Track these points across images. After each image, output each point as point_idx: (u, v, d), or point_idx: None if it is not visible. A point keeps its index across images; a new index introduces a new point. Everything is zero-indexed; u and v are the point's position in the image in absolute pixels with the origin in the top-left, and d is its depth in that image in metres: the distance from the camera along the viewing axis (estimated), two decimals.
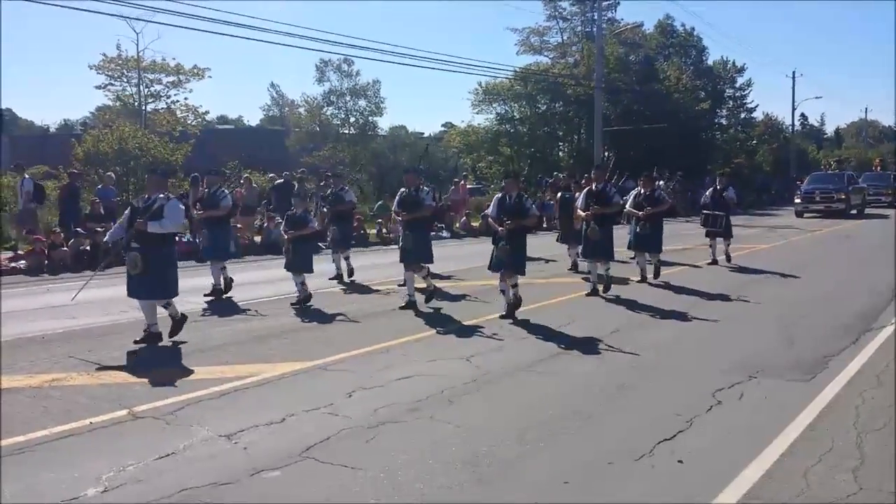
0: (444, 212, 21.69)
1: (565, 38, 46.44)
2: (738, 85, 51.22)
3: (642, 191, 13.38)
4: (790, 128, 60.09)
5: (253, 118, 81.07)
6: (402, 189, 11.16)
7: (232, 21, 22.32)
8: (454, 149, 45.72)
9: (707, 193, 16.61)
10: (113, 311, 10.41)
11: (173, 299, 8.76)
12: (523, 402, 6.37)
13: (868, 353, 7.98)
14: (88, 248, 16.26)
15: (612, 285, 12.08)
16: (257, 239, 19.37)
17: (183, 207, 8.90)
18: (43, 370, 7.48)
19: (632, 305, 10.89)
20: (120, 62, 36.40)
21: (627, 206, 13.48)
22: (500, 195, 10.47)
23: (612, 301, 11.26)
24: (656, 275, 13.32)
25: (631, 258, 13.80)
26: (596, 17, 38.97)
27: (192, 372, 7.42)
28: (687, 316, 10.09)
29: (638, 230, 13.13)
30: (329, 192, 14.65)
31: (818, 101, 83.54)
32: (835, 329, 9.23)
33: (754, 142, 53.36)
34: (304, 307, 10.91)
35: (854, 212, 32.34)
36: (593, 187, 11.93)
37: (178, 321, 8.84)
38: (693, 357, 7.93)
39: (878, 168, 45.90)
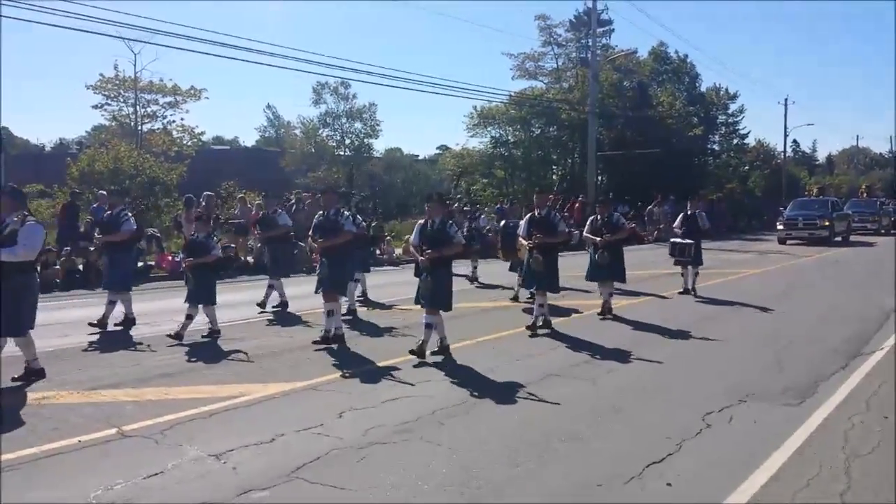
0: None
1: (560, 63, 46.77)
2: (730, 111, 51.76)
3: (599, 217, 12.41)
4: (782, 154, 60.54)
5: (249, 139, 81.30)
6: (320, 212, 10.02)
7: (229, 43, 22.45)
8: (449, 171, 45.88)
9: (679, 219, 15.59)
10: (107, 330, 10.38)
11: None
12: (513, 425, 6.38)
13: (857, 378, 8.01)
14: (81, 267, 16.25)
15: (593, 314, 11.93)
16: (251, 259, 19.36)
17: (42, 230, 7.68)
18: (32, 388, 7.46)
19: (619, 330, 10.89)
20: (117, 82, 36.49)
21: (584, 232, 12.84)
22: (421, 221, 9.30)
23: (597, 326, 11.21)
24: (603, 310, 11.98)
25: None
26: (590, 44, 39.27)
27: (182, 391, 7.41)
28: (676, 341, 10.11)
29: (596, 259, 12.10)
30: (262, 214, 13.36)
31: (810, 128, 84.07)
32: (824, 354, 9.26)
33: (746, 167, 53.73)
34: (215, 338, 9.98)
35: (838, 239, 31.47)
36: (536, 214, 10.73)
37: (36, 371, 7.77)
38: (683, 381, 7.94)
39: (864, 195, 45.42)
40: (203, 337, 9.96)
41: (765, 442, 5.88)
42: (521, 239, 10.99)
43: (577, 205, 30.22)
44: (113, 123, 38.41)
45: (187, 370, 8.34)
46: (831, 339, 10.19)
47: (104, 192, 21.90)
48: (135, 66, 36.20)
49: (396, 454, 5.60)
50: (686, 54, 50.05)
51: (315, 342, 9.55)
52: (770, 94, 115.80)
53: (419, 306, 9.01)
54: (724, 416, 6.59)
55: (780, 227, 31.59)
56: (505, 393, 7.39)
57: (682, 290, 14.92)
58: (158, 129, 38.02)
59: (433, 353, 8.86)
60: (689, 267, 14.92)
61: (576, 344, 9.87)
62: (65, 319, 10.64)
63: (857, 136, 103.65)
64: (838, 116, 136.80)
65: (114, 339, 9.91)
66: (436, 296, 8.82)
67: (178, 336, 9.71)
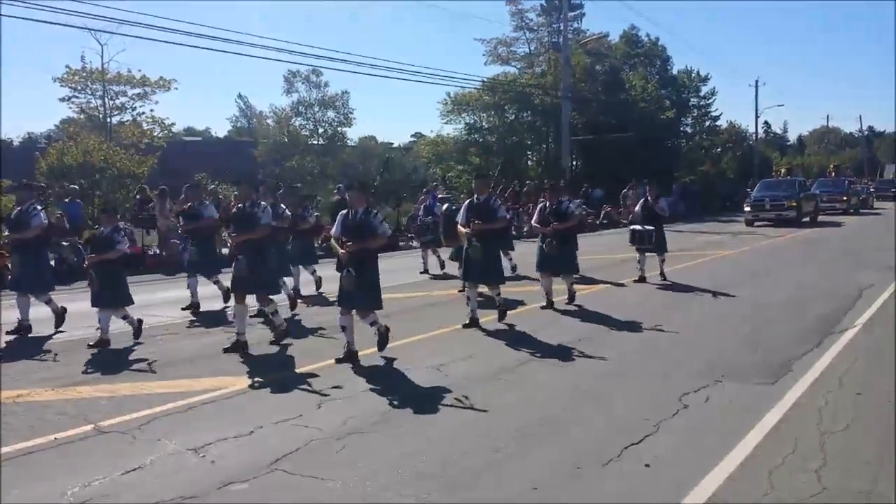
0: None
1: (532, 48, 46.75)
2: (702, 94, 51.91)
3: (548, 204, 11.63)
4: (754, 135, 61.04)
5: (220, 130, 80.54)
6: (238, 204, 9.29)
7: (198, 32, 22.16)
8: (424, 158, 45.79)
9: (638, 205, 14.86)
10: (79, 326, 10.25)
11: None
12: (491, 411, 6.38)
13: (831, 356, 8.10)
14: (52, 262, 16.03)
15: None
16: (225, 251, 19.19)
17: None
18: (6, 386, 7.35)
19: (599, 314, 10.91)
20: (84, 74, 35.93)
21: (532, 221, 12.14)
22: (344, 211, 8.51)
23: (577, 312, 11.17)
24: (571, 299, 11.65)
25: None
26: (562, 28, 39.28)
27: (158, 386, 7.35)
28: (652, 322, 10.15)
29: (545, 248, 11.38)
30: (188, 206, 12.14)
31: (781, 109, 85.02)
32: (798, 333, 9.37)
33: (719, 149, 54.10)
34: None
35: (806, 219, 30.67)
36: (475, 199, 10.16)
37: None
38: (659, 362, 7.99)
39: (832, 174, 44.77)
40: (89, 346, 9.07)
41: (741, 421, 5.94)
42: (459, 226, 10.34)
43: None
44: (81, 116, 37.86)
45: (162, 365, 8.25)
46: (805, 318, 10.32)
47: (75, 187, 21.63)
48: (102, 57, 35.66)
49: (375, 443, 5.60)
50: (657, 37, 50.23)
51: (272, 342, 9.06)
52: (741, 75, 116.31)
53: (341, 308, 8.22)
54: (701, 396, 6.66)
55: (747, 208, 30.97)
56: (482, 380, 7.40)
57: (637, 278, 14.15)
58: (128, 121, 37.52)
59: (337, 361, 8.10)
60: (655, 254, 14.22)
61: (555, 328, 9.91)
62: (36, 316, 10.47)
63: (828, 116, 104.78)
64: (809, 97, 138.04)
65: (80, 336, 9.79)
66: (363, 295, 8.12)
67: (102, 343, 9.04)
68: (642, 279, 14.11)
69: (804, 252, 20.21)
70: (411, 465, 5.12)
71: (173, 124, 40.16)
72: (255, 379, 7.51)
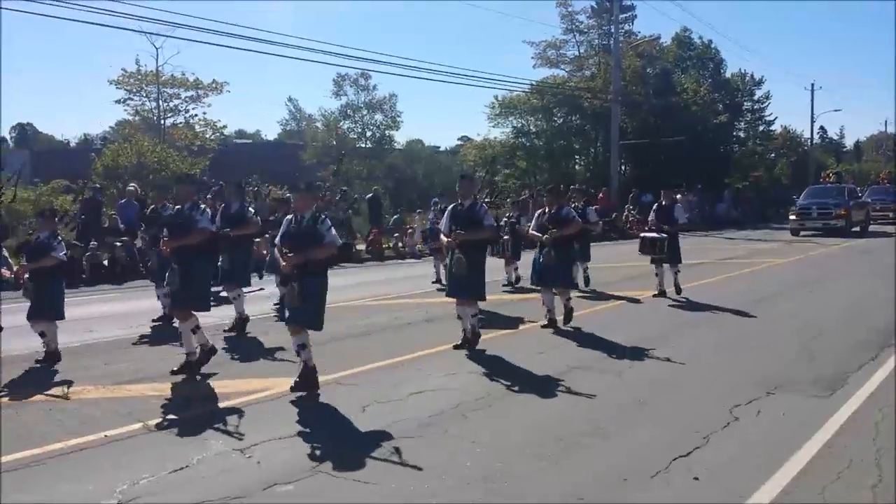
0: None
1: (582, 51, 46.33)
2: (756, 97, 50.94)
3: (547, 209, 10.52)
4: (809, 140, 59.73)
5: (271, 132, 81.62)
6: (177, 206, 8.38)
7: (250, 36, 22.51)
8: (470, 162, 45.73)
9: (652, 211, 13.76)
10: (132, 325, 10.46)
11: None
12: (537, 418, 6.34)
13: (888, 369, 7.85)
14: (106, 262, 16.40)
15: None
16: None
17: None
18: (59, 383, 7.53)
19: (637, 327, 10.72)
20: (139, 77, 36.76)
21: (530, 229, 11.03)
22: (289, 216, 7.46)
23: (614, 326, 10.91)
24: (567, 318, 10.48)
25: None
26: (613, 31, 38.92)
27: (206, 386, 7.45)
28: (703, 331, 9.99)
29: (542, 259, 10.33)
30: (150, 208, 11.31)
31: (837, 114, 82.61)
32: (854, 345, 9.11)
33: (773, 155, 53.00)
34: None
35: (856, 229, 28.77)
36: (458, 205, 9.05)
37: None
38: (710, 373, 7.84)
39: (885, 181, 41.94)
40: (37, 362, 8.40)
41: (794, 434, 5.79)
42: (441, 236, 9.42)
43: (600, 195, 30.01)
44: (136, 118, 38.75)
45: (211, 365, 8.32)
46: (860, 330, 10.02)
47: (133, 188, 21.98)
48: (156, 60, 36.49)
49: (419, 448, 5.58)
50: (710, 40, 49.33)
51: (173, 371, 7.82)
52: (796, 79, 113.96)
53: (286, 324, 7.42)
54: (752, 408, 6.50)
55: (792, 217, 28.89)
56: (528, 387, 7.34)
57: (656, 292, 13.11)
58: (181, 123, 38.30)
59: (292, 389, 7.10)
60: (668, 266, 13.10)
61: (603, 335, 9.78)
62: (91, 315, 10.70)
63: (885, 122, 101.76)
64: (866, 101, 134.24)
65: (128, 335, 9.97)
66: (303, 311, 7.06)
67: (49, 358, 8.34)
68: (662, 293, 13.07)
69: (858, 262, 19.69)
70: (456, 471, 5.09)
71: (224, 127, 40.87)
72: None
